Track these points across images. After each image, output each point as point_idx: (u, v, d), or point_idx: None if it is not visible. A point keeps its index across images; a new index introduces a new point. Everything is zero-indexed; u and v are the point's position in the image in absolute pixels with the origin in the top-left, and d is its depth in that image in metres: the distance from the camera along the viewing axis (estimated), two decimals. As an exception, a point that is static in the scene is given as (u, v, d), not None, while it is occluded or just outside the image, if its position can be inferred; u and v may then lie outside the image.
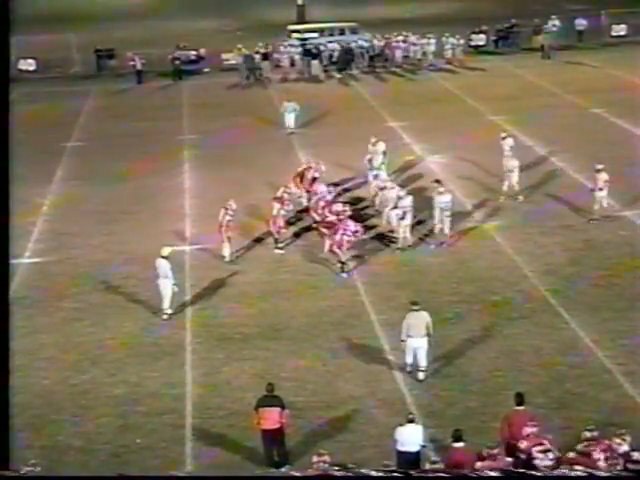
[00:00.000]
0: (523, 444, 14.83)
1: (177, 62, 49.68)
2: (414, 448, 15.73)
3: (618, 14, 53.92)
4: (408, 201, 25.33)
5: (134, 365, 20.16)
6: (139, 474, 16.05)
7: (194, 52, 51.56)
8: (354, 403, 18.34)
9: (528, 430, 14.97)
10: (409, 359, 19.19)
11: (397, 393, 18.68)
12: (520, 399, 15.99)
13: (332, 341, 20.79)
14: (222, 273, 24.28)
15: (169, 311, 22.22)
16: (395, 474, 13.73)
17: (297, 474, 14.42)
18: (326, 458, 14.46)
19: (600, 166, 26.71)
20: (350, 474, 13.93)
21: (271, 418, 16.36)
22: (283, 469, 16.28)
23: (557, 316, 21.39)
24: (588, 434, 14.65)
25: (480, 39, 53.16)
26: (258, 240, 26.16)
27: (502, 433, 15.54)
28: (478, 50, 52.65)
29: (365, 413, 18.05)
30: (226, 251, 24.85)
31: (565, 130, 35.62)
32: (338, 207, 25.52)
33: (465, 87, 44.02)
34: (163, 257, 22.28)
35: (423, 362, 19.07)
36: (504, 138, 30.46)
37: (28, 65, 50.12)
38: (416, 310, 19.19)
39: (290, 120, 36.59)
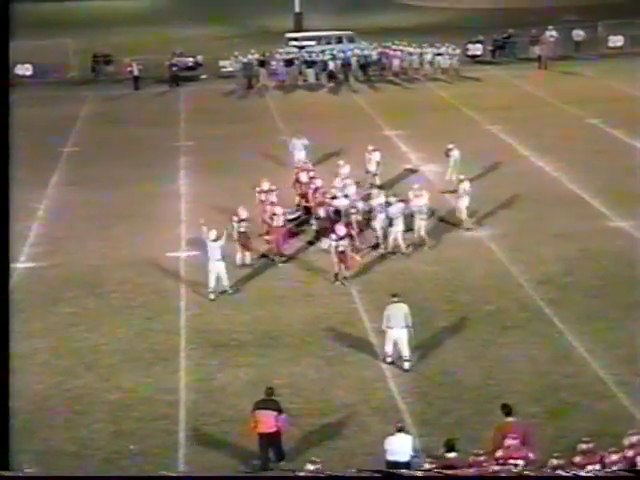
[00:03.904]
0: (499, 453, 14.84)
1: (174, 69, 49.70)
2: (404, 458, 15.64)
3: (615, 25, 54.07)
4: (397, 208, 25.41)
5: (128, 371, 20.15)
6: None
7: (191, 59, 51.64)
8: (348, 410, 18.35)
9: (509, 442, 14.96)
10: (388, 348, 19.83)
11: (391, 401, 18.68)
12: (508, 409, 15.93)
13: (326, 348, 20.80)
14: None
15: (230, 291, 23.50)
16: (391, 474, 13.68)
17: (297, 474, 14.33)
18: (319, 467, 14.41)
19: (462, 176, 27.75)
20: (348, 475, 13.90)
21: (266, 422, 16.40)
22: (282, 463, 16.49)
23: (551, 326, 21.40)
24: (584, 446, 14.58)
25: (477, 49, 53.21)
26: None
27: (494, 443, 15.46)
28: (475, 60, 52.74)
29: (358, 421, 18.04)
30: (238, 257, 24.92)
31: (561, 140, 35.68)
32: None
33: (461, 96, 44.08)
34: (213, 241, 23.24)
35: (406, 352, 19.69)
36: (450, 150, 30.55)
37: (25, 70, 50.16)
38: (396, 302, 19.91)
39: (301, 161, 31.35)
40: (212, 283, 23.34)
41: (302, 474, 13.95)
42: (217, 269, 23.37)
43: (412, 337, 19.86)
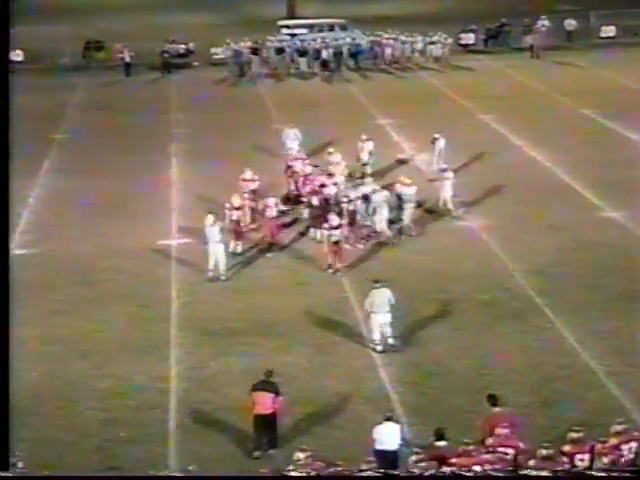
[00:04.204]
0: (489, 441, 14.86)
1: (166, 55, 49.58)
2: (392, 447, 15.65)
3: (607, 15, 54.07)
4: (380, 196, 25.43)
5: (120, 359, 20.10)
6: (128, 474, 15.90)
7: (183, 46, 51.56)
8: (339, 399, 18.34)
9: (499, 431, 14.98)
10: (376, 336, 19.93)
11: (382, 390, 18.68)
12: (494, 400, 15.95)
13: (318, 337, 20.80)
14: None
15: (223, 277, 23.47)
16: (389, 475, 13.72)
17: (296, 474, 14.29)
18: (309, 454, 14.40)
19: (445, 165, 28.17)
20: (346, 474, 13.90)
21: (263, 403, 16.49)
22: (271, 451, 16.49)
23: (544, 316, 21.41)
24: (574, 435, 14.62)
25: (469, 38, 53.29)
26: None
27: (483, 434, 15.40)
28: (467, 49, 52.71)
29: (350, 409, 18.04)
30: (231, 245, 24.87)
31: (554, 130, 35.69)
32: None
33: (454, 86, 44.06)
34: (211, 226, 23.31)
35: (389, 332, 19.95)
36: (436, 139, 30.65)
37: (16, 56, 49.91)
38: (378, 287, 20.03)
39: (293, 150, 31.02)
40: (212, 264, 23.56)
41: (302, 475, 13.93)
42: (215, 252, 23.47)
43: (392, 321, 19.99)
